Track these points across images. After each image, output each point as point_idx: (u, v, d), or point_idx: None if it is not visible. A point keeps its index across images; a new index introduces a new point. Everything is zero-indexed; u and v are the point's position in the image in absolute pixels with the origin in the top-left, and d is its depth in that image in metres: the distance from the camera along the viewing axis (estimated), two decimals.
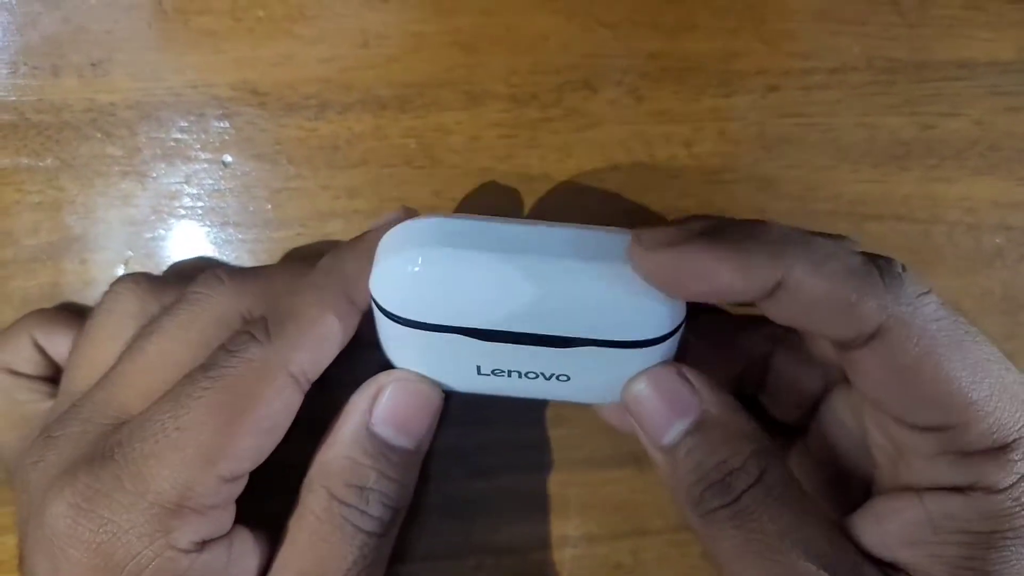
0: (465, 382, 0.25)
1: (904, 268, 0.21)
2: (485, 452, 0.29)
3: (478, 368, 0.24)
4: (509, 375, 0.24)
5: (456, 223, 0.22)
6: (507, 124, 0.28)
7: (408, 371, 0.25)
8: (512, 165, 0.28)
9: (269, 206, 0.29)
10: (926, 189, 0.29)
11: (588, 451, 0.30)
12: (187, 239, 0.29)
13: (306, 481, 0.24)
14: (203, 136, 0.28)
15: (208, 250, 0.29)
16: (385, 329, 0.23)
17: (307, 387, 0.23)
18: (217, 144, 0.28)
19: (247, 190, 0.28)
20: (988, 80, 0.29)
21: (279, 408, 0.22)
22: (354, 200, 0.29)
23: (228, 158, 0.28)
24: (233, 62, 0.28)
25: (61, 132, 0.28)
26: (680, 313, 0.22)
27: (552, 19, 0.28)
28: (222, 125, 0.28)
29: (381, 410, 0.24)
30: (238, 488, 0.22)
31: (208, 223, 0.29)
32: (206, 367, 0.22)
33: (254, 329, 0.22)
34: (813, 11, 0.28)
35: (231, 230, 0.29)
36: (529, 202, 0.29)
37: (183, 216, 0.29)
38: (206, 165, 0.28)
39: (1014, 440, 0.20)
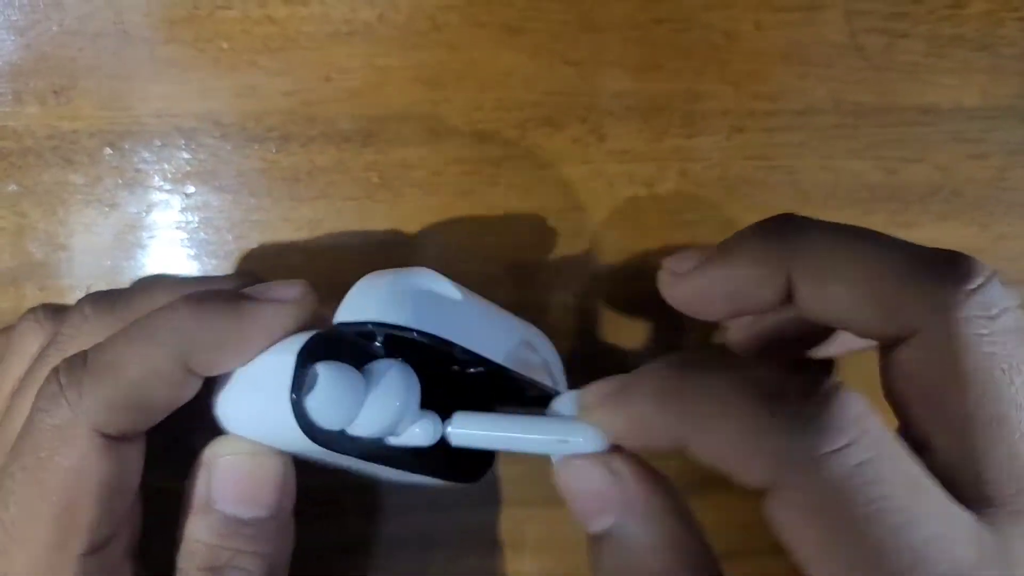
0: (307, 455, 0.23)
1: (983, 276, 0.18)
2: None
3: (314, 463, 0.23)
4: (356, 464, 0.23)
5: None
6: (469, 160, 0.29)
7: (238, 442, 0.23)
8: (473, 201, 0.29)
9: (230, 237, 0.29)
10: (891, 233, 0.30)
11: (546, 488, 0.30)
12: (148, 268, 0.29)
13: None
14: (166, 166, 0.29)
15: None
16: (271, 405, 0.21)
17: (139, 437, 0.22)
18: (180, 174, 0.29)
19: (209, 221, 0.29)
20: (951, 126, 0.29)
21: (105, 471, 0.21)
22: (315, 232, 0.29)
23: (190, 188, 0.29)
24: (197, 92, 0.29)
25: (23, 158, 0.29)
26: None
27: (516, 56, 0.29)
28: (185, 155, 0.29)
29: (218, 490, 0.22)
30: (118, 547, 0.22)
31: (169, 253, 0.29)
32: (22, 436, 0.21)
33: (65, 382, 0.21)
34: (779, 53, 0.29)
35: (192, 261, 0.30)
36: (489, 240, 0.29)
37: (145, 245, 0.29)
38: (168, 195, 0.29)
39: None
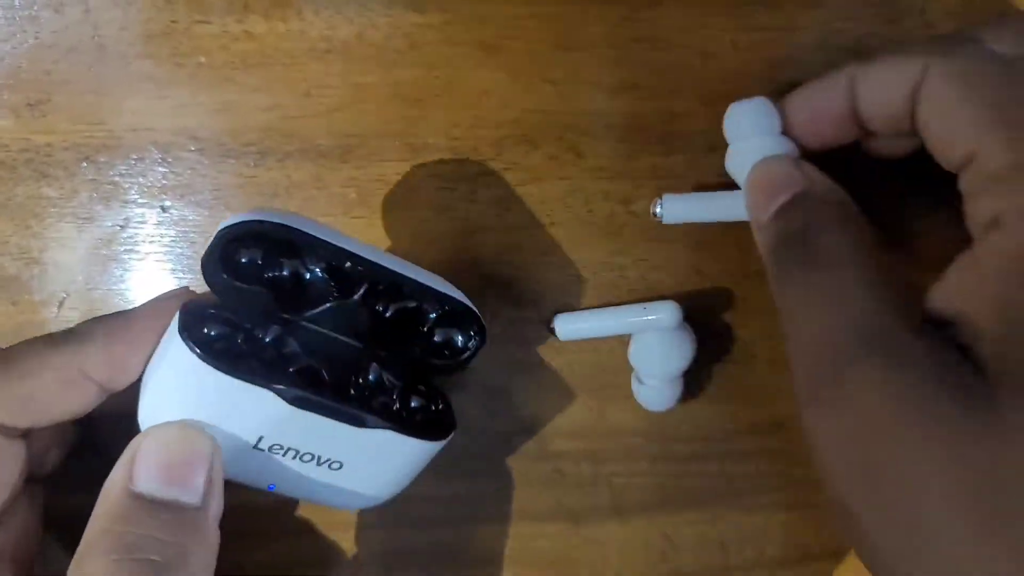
0: (234, 454, 0.24)
1: None
2: (418, 503, 0.30)
3: (258, 440, 0.24)
4: (284, 454, 0.25)
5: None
6: (446, 176, 0.30)
7: (167, 426, 0.23)
8: (450, 217, 0.30)
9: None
10: None
11: (522, 504, 0.31)
12: (123, 283, 0.30)
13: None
14: (141, 180, 0.30)
15: (143, 297, 0.30)
16: (180, 377, 0.23)
17: (19, 433, 0.24)
18: (156, 189, 0.30)
19: (185, 236, 0.30)
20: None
21: None
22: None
23: (166, 203, 0.30)
24: (173, 108, 0.29)
25: None
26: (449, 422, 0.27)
27: (494, 74, 0.30)
28: (161, 170, 0.30)
29: (142, 465, 0.22)
30: None
31: (144, 268, 0.30)
32: None
33: None
34: (755, 73, 0.30)
35: (168, 276, 0.30)
36: (466, 256, 0.30)
37: (119, 260, 0.30)
38: (144, 209, 0.30)
39: None
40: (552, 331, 0.30)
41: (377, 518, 0.31)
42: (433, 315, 0.27)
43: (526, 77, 0.30)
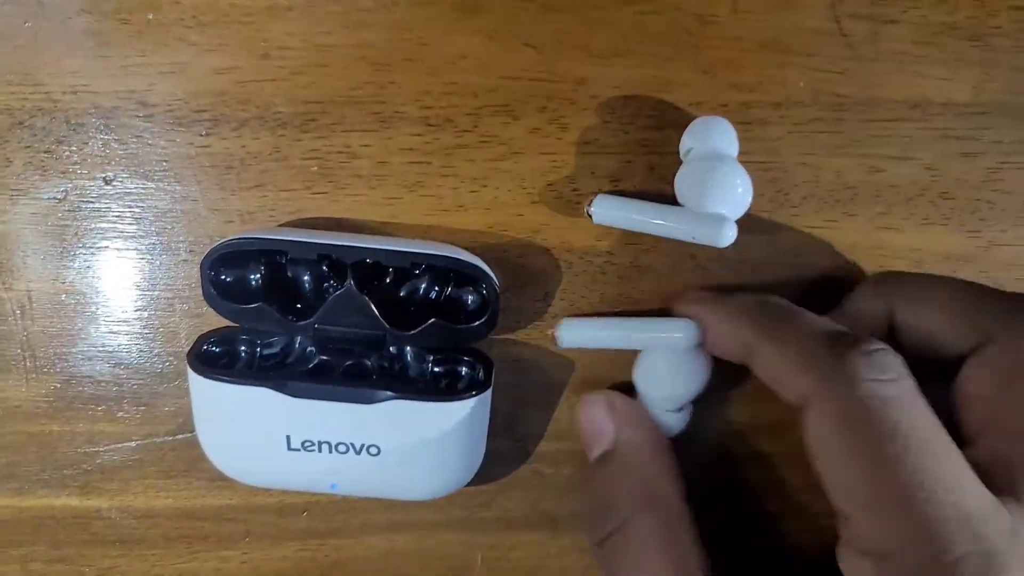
0: (276, 462, 0.26)
1: None
2: (394, 507, 0.28)
3: (288, 441, 0.26)
4: (320, 449, 0.26)
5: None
6: (419, 149, 0.28)
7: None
8: (423, 194, 0.28)
9: (153, 229, 0.28)
10: (873, 238, 0.29)
11: (499, 511, 0.29)
12: (61, 261, 0.28)
13: None
14: (83, 148, 0.27)
15: (84, 275, 0.28)
16: (201, 404, 0.27)
17: None
18: (98, 158, 0.28)
19: (130, 210, 0.28)
20: (941, 122, 0.28)
21: None
22: (247, 226, 0.28)
23: (110, 174, 0.28)
24: (118, 68, 0.27)
25: None
26: (487, 379, 0.27)
27: (471, 38, 0.27)
28: (104, 137, 0.27)
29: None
30: None
31: (85, 245, 0.28)
32: None
33: None
34: (756, 40, 0.28)
35: (110, 253, 0.28)
36: (439, 236, 0.28)
37: (58, 236, 0.28)
38: (85, 181, 0.28)
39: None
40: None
41: (349, 521, 0.29)
42: (437, 280, 0.28)
43: (506, 41, 0.28)
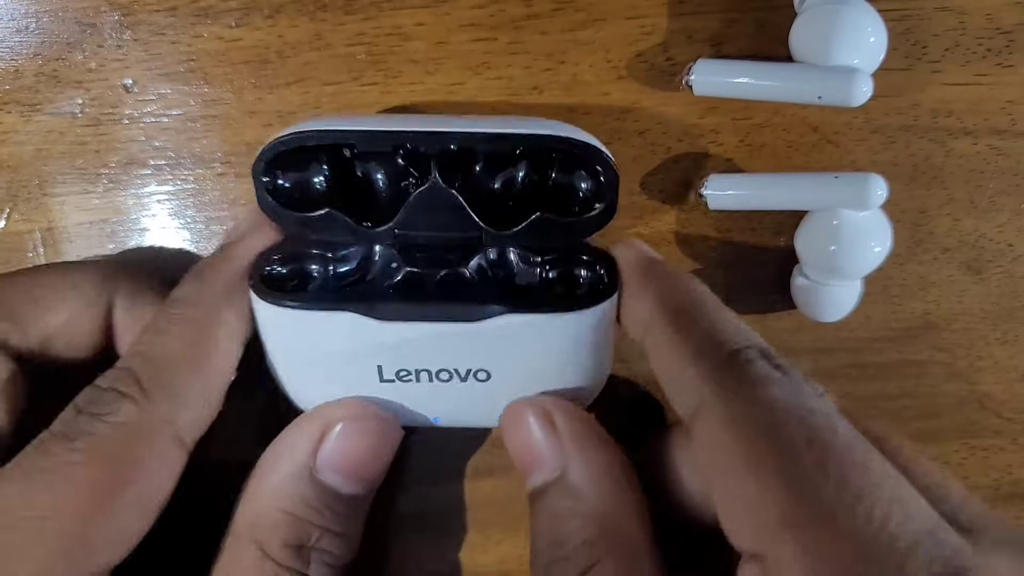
0: (372, 397, 0.22)
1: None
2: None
3: (379, 371, 0.22)
4: (418, 379, 0.22)
5: None
6: (483, 24, 0.24)
7: (360, 402, 0.22)
8: (489, 78, 0.24)
9: (184, 138, 0.25)
10: None
11: None
12: (83, 185, 0.25)
13: (233, 529, 0.21)
14: (98, 52, 0.24)
15: (109, 198, 0.25)
16: (273, 334, 0.22)
17: (191, 448, 0.20)
18: (116, 63, 0.24)
19: (155, 120, 0.25)
20: None
21: (164, 481, 0.20)
22: (288, 125, 0.24)
23: (129, 80, 0.24)
24: None
25: None
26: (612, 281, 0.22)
27: None
28: (121, 38, 0.24)
29: (329, 454, 0.21)
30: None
31: (107, 163, 0.25)
32: (66, 435, 0.19)
33: (123, 385, 0.19)
34: None
35: (136, 170, 0.25)
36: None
37: (77, 155, 0.25)
38: (103, 89, 0.25)
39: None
40: (701, 197, 0.24)
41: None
42: (537, 166, 0.23)
43: None
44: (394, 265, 0.22)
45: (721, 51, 0.24)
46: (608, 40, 0.24)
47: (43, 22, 0.24)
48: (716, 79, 0.23)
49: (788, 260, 0.25)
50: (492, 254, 0.23)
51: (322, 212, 0.22)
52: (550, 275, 0.22)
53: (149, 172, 0.25)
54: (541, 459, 0.21)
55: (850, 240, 0.23)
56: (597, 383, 0.23)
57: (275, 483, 0.21)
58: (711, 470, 0.18)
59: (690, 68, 0.23)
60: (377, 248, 0.23)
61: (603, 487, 0.20)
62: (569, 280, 0.23)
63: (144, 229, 0.25)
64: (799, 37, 0.23)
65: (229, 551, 0.21)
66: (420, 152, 0.21)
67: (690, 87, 0.23)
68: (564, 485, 0.20)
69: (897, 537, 0.15)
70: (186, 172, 0.25)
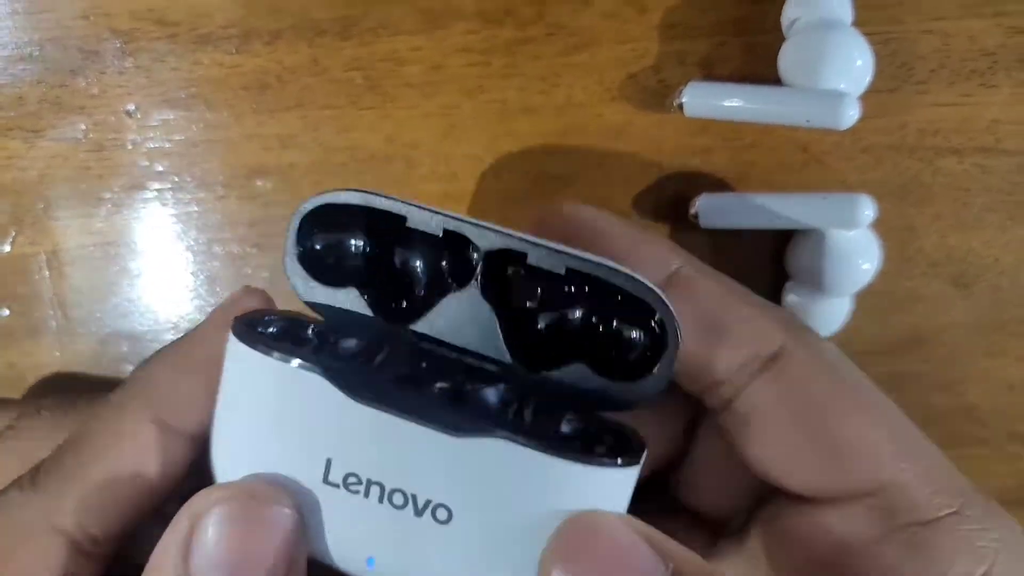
0: (306, 500, 0.17)
1: None
2: None
3: (328, 466, 0.17)
4: (367, 493, 0.17)
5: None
6: (476, 49, 0.25)
7: (240, 483, 0.17)
8: (484, 101, 0.25)
9: (185, 162, 0.25)
10: (1019, 112, 0.25)
11: None
12: (86, 208, 0.25)
13: None
14: (101, 79, 0.25)
15: (112, 222, 0.25)
16: (231, 382, 0.18)
17: (105, 547, 0.18)
18: (118, 89, 0.25)
19: (157, 144, 0.25)
20: None
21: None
22: (288, 151, 0.25)
23: (131, 106, 0.25)
24: None
25: None
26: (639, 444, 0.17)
27: None
28: (123, 65, 0.25)
29: (202, 553, 0.16)
30: None
31: (110, 187, 0.26)
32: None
33: (25, 475, 0.18)
34: None
35: (138, 194, 0.25)
36: (507, 149, 0.25)
37: (81, 180, 0.25)
38: (106, 115, 0.25)
39: (963, 511, 0.18)
40: (694, 218, 0.25)
41: None
42: (595, 304, 0.19)
43: None
44: (396, 363, 0.19)
45: (712, 73, 0.25)
46: (601, 63, 0.25)
47: (46, 50, 0.25)
48: (706, 101, 0.24)
49: (780, 278, 0.26)
50: (507, 390, 0.19)
51: (345, 290, 0.19)
52: (565, 430, 0.18)
53: (152, 196, 0.26)
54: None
55: (839, 259, 0.24)
56: None
57: None
58: (798, 413, 0.18)
59: (681, 91, 0.24)
60: (385, 345, 0.19)
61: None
62: (588, 438, 0.18)
63: (147, 251, 0.26)
64: (787, 61, 0.24)
65: None
66: (467, 246, 0.18)
67: (681, 109, 0.24)
68: None
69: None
70: (188, 196, 0.25)
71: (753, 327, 0.19)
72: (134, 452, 0.18)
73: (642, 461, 0.17)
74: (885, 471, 0.18)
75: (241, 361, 0.17)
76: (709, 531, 0.21)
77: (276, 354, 0.17)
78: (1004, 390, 0.27)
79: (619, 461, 0.16)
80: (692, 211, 0.24)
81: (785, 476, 0.19)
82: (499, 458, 0.16)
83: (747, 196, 0.25)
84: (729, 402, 0.19)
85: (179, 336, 0.20)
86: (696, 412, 0.21)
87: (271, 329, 0.19)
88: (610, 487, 0.16)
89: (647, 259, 0.19)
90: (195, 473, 0.19)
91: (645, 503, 0.17)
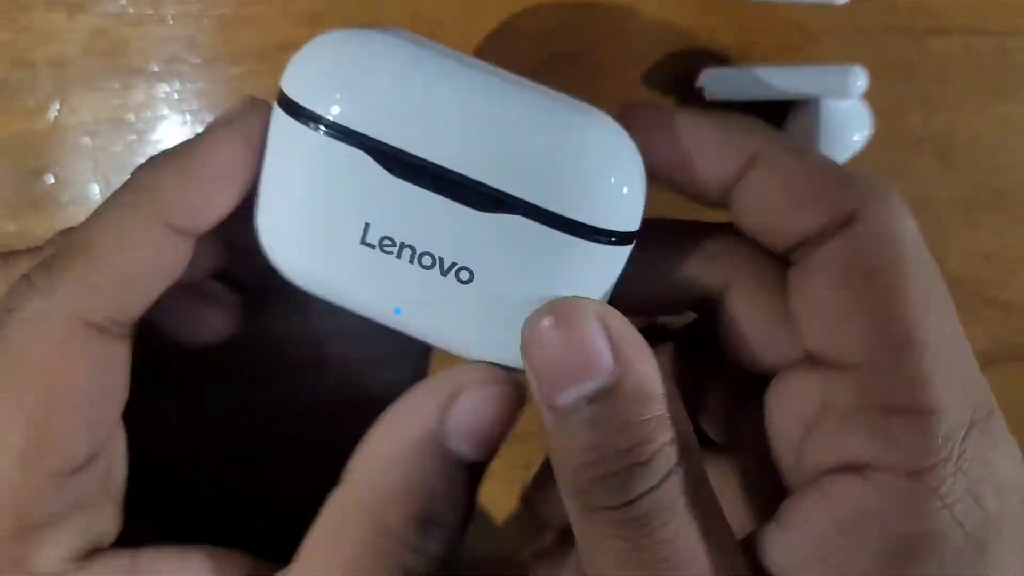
0: (343, 256, 0.20)
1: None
2: None
3: (365, 229, 0.20)
4: (399, 254, 0.20)
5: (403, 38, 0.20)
6: None
7: (485, 367, 0.20)
8: None
9: (219, 39, 0.27)
10: None
11: None
12: (125, 80, 0.27)
13: (345, 496, 0.19)
14: None
15: (151, 93, 0.27)
16: (278, 155, 0.20)
17: (126, 331, 0.20)
18: None
19: (189, 16, 0.27)
20: None
21: (88, 369, 0.19)
22: (318, 28, 0.26)
23: None
24: None
25: None
26: (637, 216, 0.20)
27: None
28: None
29: (460, 420, 0.19)
30: (94, 478, 0.20)
31: (149, 61, 0.27)
32: None
33: (35, 275, 0.19)
34: None
35: (175, 66, 0.27)
36: (525, 23, 0.26)
37: (118, 52, 0.27)
38: None
39: (944, 411, 0.18)
40: (700, 91, 0.26)
41: None
42: None
43: None
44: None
45: None
46: None
47: None
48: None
49: None
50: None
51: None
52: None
53: (188, 69, 0.27)
54: (598, 363, 0.19)
55: (832, 128, 0.26)
56: None
57: (398, 450, 0.19)
58: (835, 285, 0.19)
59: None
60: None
61: (663, 398, 0.19)
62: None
63: (183, 123, 0.28)
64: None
65: (340, 519, 0.19)
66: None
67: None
68: (626, 390, 0.18)
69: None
70: (222, 72, 0.27)
71: (830, 194, 0.19)
72: (145, 252, 0.19)
73: (632, 244, 0.20)
74: (895, 347, 0.18)
75: (289, 134, 0.20)
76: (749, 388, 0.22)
77: (324, 129, 0.19)
78: (980, 260, 0.29)
79: (613, 239, 0.20)
80: (698, 84, 0.26)
81: (822, 339, 0.20)
82: (517, 231, 0.19)
83: (749, 69, 0.26)
84: (799, 260, 0.20)
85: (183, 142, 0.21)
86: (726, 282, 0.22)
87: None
88: (604, 262, 0.20)
89: (729, 143, 0.21)
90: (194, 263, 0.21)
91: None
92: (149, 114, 0.27)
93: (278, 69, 0.26)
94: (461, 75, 0.20)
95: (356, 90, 0.19)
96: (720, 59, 0.27)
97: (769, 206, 0.20)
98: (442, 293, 0.20)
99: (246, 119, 0.20)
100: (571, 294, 0.20)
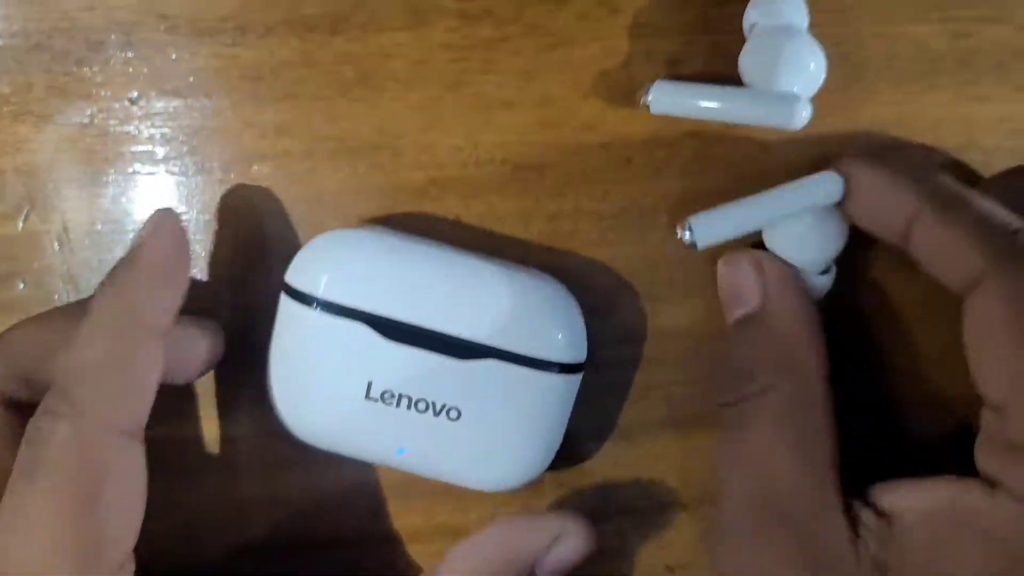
0: (351, 412, 0.25)
1: None
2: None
3: (368, 387, 0.25)
4: (398, 404, 0.25)
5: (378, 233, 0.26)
6: (458, 46, 0.27)
7: (584, 520, 0.25)
8: (465, 94, 0.27)
9: (185, 149, 0.27)
10: (960, 110, 0.27)
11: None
12: (93, 188, 0.27)
13: None
14: (105, 68, 0.27)
15: (118, 202, 0.27)
16: (284, 329, 0.25)
17: (142, 435, 0.23)
18: (122, 78, 0.27)
19: (159, 130, 0.27)
20: None
21: (128, 473, 0.22)
22: (282, 139, 0.27)
23: (135, 93, 0.27)
24: None
25: None
26: (583, 350, 0.26)
27: None
28: (126, 55, 0.27)
29: (555, 559, 0.24)
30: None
31: (117, 169, 0.27)
32: (26, 474, 0.21)
33: (54, 406, 0.21)
34: None
35: (143, 177, 0.27)
36: (487, 139, 0.27)
37: (87, 163, 0.27)
38: (110, 103, 0.27)
39: None
40: (690, 244, 0.25)
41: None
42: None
43: None
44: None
45: (678, 71, 0.27)
46: (575, 61, 0.27)
47: (54, 40, 0.27)
48: (670, 99, 0.26)
49: None
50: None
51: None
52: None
53: (154, 179, 0.28)
54: (747, 294, 0.25)
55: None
56: (549, 452, 0.26)
57: (492, 566, 0.24)
58: (976, 333, 0.22)
59: (647, 88, 0.26)
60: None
61: (792, 324, 0.25)
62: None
63: None
64: (747, 63, 0.26)
65: None
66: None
67: (647, 105, 0.26)
68: (761, 317, 0.25)
69: None
70: (187, 179, 0.27)
71: (968, 263, 0.22)
72: (143, 357, 0.23)
73: (583, 371, 0.26)
74: (1006, 397, 0.21)
75: (297, 317, 0.25)
76: None
77: (327, 308, 0.24)
78: None
79: (568, 369, 0.25)
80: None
81: (975, 377, 0.23)
82: (492, 372, 0.25)
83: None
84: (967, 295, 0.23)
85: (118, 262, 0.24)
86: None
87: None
88: (563, 387, 0.26)
89: (888, 206, 0.24)
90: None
91: None
92: (116, 221, 0.28)
93: (243, 178, 0.27)
94: (435, 256, 0.25)
95: (351, 274, 0.25)
96: (681, 175, 0.28)
97: (926, 265, 0.24)
98: (436, 431, 0.25)
99: (168, 219, 0.24)
100: (539, 415, 0.26)
